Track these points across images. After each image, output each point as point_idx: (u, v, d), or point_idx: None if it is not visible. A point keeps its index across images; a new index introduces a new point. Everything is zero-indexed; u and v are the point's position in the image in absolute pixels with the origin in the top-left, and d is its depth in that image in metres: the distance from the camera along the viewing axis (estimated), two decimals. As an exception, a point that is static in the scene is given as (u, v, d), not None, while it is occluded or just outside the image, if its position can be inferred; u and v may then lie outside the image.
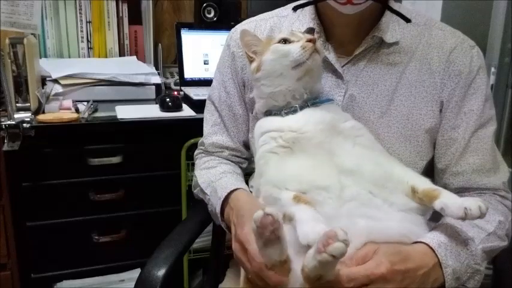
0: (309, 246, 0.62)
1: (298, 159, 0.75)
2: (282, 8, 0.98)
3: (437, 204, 0.70)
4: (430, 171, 0.90)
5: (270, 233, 0.63)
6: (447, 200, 0.70)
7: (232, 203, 0.86)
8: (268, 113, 0.84)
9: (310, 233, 0.63)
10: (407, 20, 0.88)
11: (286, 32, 0.83)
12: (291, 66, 0.79)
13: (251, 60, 0.85)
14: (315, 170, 0.74)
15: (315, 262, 0.60)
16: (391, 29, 0.86)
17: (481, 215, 0.67)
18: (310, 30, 0.88)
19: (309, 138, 0.77)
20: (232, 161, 1.01)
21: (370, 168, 0.74)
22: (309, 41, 0.78)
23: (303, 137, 0.77)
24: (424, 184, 0.74)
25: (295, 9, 0.94)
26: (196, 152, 1.06)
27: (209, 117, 1.02)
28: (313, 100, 0.81)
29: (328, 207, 0.70)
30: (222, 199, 0.87)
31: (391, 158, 0.82)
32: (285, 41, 0.80)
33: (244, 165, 1.02)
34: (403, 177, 0.75)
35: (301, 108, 0.81)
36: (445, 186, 0.88)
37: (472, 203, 0.67)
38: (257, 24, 0.96)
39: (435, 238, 0.73)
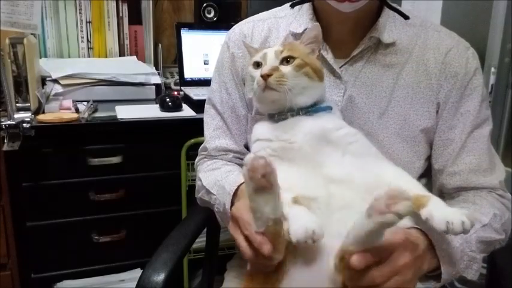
0: (298, 243, 0.60)
1: (287, 168, 0.73)
2: (279, 8, 0.98)
3: (423, 214, 0.65)
4: (428, 171, 0.90)
5: (261, 177, 0.59)
6: (433, 210, 0.64)
7: (241, 193, 0.83)
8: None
9: (298, 229, 0.60)
10: (406, 17, 0.88)
11: (260, 54, 0.80)
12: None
13: None
14: (302, 180, 0.72)
15: (373, 225, 0.57)
16: (387, 29, 0.87)
17: (464, 231, 0.61)
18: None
19: (296, 149, 0.75)
20: (236, 164, 0.98)
21: (360, 176, 0.72)
22: (263, 76, 0.74)
23: (290, 147, 0.76)
24: (414, 189, 0.69)
25: (292, 5, 0.94)
26: (197, 158, 1.04)
27: (210, 121, 0.99)
28: (308, 109, 0.78)
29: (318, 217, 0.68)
30: (231, 194, 0.84)
31: (385, 162, 0.78)
32: (257, 64, 0.79)
33: None
34: (393, 181, 0.72)
35: (293, 116, 0.78)
36: (443, 186, 0.88)
37: (455, 217, 0.61)
38: (255, 25, 0.96)
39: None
